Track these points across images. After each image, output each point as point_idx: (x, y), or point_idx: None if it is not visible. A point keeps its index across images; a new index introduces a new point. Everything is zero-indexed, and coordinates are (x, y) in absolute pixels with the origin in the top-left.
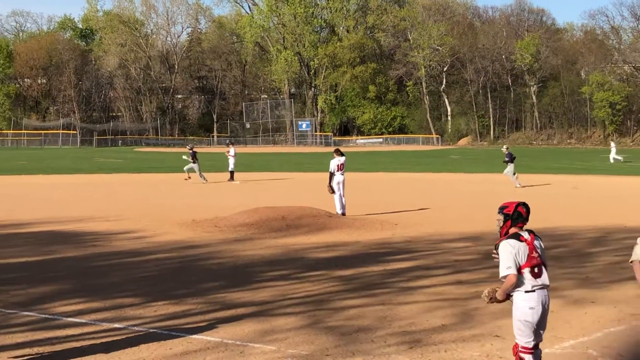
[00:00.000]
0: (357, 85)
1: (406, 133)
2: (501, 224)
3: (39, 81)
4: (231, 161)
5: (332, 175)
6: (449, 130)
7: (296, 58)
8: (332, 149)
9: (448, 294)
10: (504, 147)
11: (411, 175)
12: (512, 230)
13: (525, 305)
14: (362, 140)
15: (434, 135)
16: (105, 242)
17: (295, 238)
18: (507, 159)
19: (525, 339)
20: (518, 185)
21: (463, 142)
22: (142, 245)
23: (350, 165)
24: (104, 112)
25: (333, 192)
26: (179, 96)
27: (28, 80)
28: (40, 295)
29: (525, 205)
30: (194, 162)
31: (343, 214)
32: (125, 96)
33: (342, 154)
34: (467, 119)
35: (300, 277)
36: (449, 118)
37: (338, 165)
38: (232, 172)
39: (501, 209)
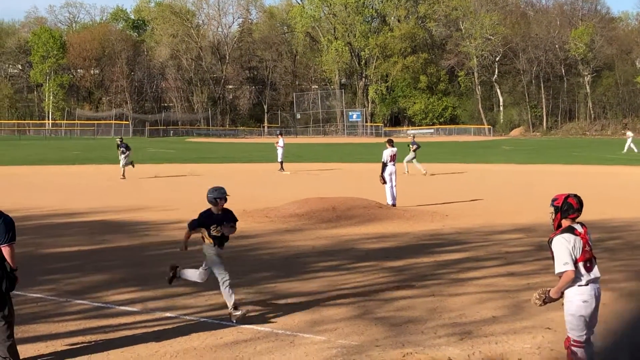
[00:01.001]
0: (408, 76)
1: (457, 123)
2: (553, 216)
3: (92, 72)
4: (280, 152)
5: (384, 165)
6: (501, 120)
7: (347, 48)
8: (382, 139)
9: (499, 285)
10: (411, 134)
11: (462, 166)
12: (564, 222)
13: (579, 299)
14: (412, 131)
15: (486, 126)
16: (158, 231)
17: (345, 229)
18: (412, 146)
19: (577, 333)
20: (406, 172)
21: (515, 132)
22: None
23: (401, 156)
24: (156, 102)
25: (385, 182)
26: (230, 87)
27: (81, 70)
28: (93, 284)
29: (576, 196)
30: (124, 154)
31: (393, 204)
32: (177, 87)
33: (394, 145)
34: (520, 109)
35: (351, 268)
36: (501, 108)
37: (391, 156)
38: (281, 163)
39: (552, 202)
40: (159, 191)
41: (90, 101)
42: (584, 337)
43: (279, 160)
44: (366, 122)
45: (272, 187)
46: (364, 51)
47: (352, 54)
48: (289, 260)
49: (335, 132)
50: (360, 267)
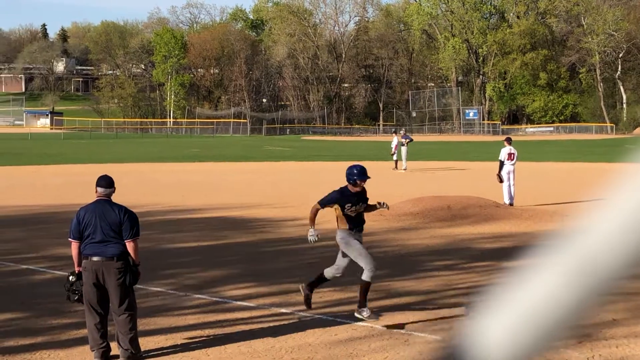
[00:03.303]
0: (527, 73)
1: (578, 121)
2: None
3: (212, 71)
4: (403, 150)
5: (502, 164)
6: (624, 118)
7: (464, 45)
8: (500, 138)
9: (621, 287)
10: (402, 130)
11: (584, 165)
12: None
13: None
14: (531, 129)
15: (608, 124)
16: (273, 228)
17: (460, 228)
18: (407, 140)
19: None
20: (404, 169)
21: (639, 131)
22: (302, 233)
23: (520, 154)
24: (273, 101)
25: (502, 181)
26: (346, 85)
27: (201, 70)
28: (211, 279)
29: None
30: None
31: (511, 204)
32: (294, 85)
33: (512, 143)
34: None
35: (466, 268)
36: (624, 106)
37: (509, 154)
38: (396, 162)
39: None
40: (274, 188)
41: (209, 100)
42: None
43: (397, 158)
44: (483, 120)
45: (387, 185)
46: (482, 48)
47: (470, 51)
48: (403, 258)
49: (451, 130)
50: (476, 267)
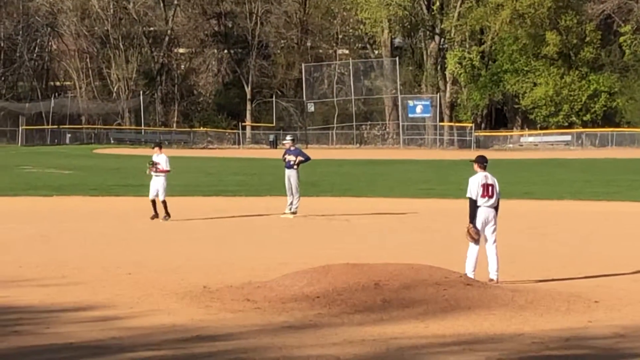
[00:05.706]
0: (522, 32)
1: (618, 124)
2: None
3: None
4: (160, 182)
5: (473, 205)
6: None
7: None
8: (471, 154)
9: None
10: (288, 138)
11: (626, 207)
12: None
13: None
14: (531, 139)
15: None
16: (39, 326)
17: (399, 325)
18: (299, 159)
19: None
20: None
21: None
22: (108, 335)
23: (507, 185)
24: (39, 80)
25: (475, 238)
26: (182, 50)
27: None
28: None
29: None
30: None
31: (493, 280)
32: (80, 49)
33: (486, 166)
34: None
35: None
36: None
37: (483, 187)
38: (164, 203)
39: None
40: (42, 248)
41: None
42: None
43: (161, 197)
44: (442, 120)
45: (260, 243)
46: None
47: None
48: None
49: (381, 140)
50: None
